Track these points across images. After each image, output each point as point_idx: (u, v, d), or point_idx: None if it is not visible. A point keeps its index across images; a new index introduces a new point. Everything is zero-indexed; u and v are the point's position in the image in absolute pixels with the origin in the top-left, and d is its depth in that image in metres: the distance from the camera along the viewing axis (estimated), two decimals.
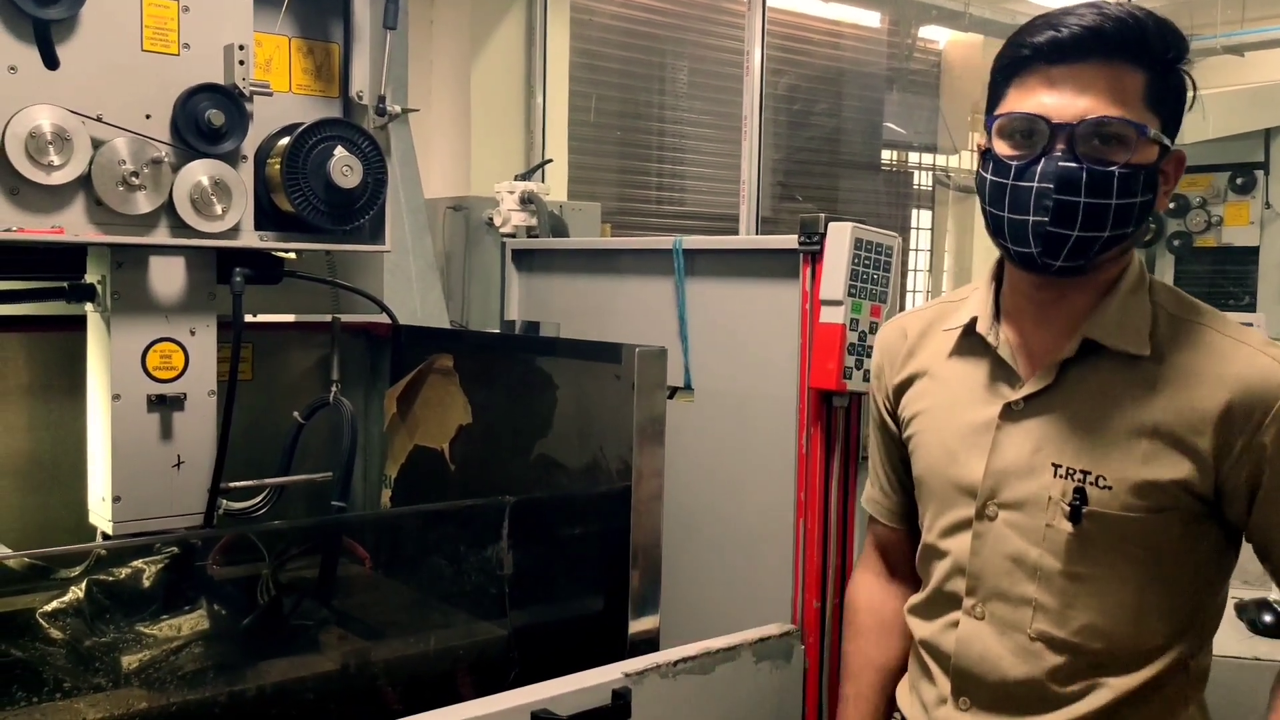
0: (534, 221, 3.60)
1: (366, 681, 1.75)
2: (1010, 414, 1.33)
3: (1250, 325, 1.35)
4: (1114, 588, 1.28)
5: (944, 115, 6.44)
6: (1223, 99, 4.64)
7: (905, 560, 1.54)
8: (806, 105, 5.86)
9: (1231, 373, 1.23)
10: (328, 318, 2.27)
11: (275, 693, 1.61)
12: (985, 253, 7.19)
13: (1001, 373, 1.35)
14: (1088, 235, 1.23)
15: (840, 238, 1.85)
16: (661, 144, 5.33)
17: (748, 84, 4.25)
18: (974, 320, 1.39)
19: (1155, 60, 1.23)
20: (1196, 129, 4.36)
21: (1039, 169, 1.22)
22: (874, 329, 1.87)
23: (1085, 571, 1.28)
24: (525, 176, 3.80)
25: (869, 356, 1.87)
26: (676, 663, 1.73)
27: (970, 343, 1.40)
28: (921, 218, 6.68)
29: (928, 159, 6.57)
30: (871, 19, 6.14)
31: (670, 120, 5.34)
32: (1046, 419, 1.31)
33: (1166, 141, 1.25)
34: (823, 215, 1.88)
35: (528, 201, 3.64)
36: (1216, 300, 4.63)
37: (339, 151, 1.79)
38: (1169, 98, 1.25)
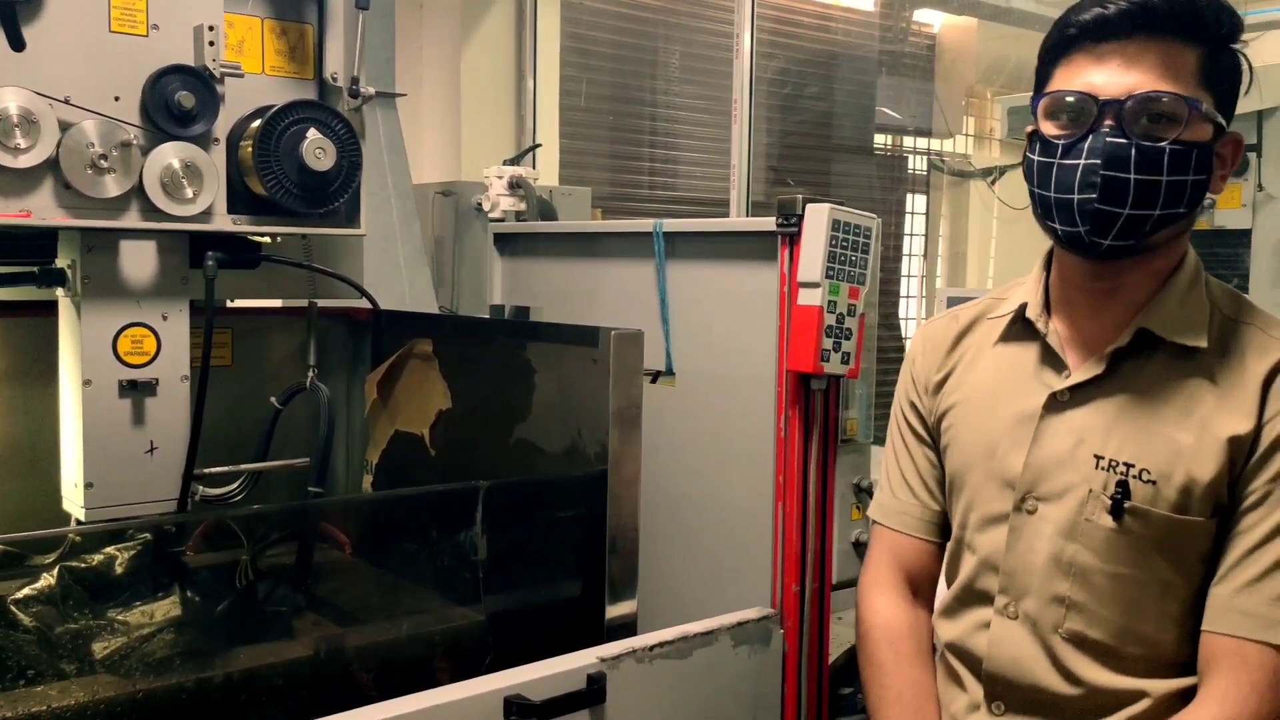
0: (523, 206, 3.58)
1: (341, 667, 1.74)
2: (1055, 405, 1.29)
3: None
4: (1155, 592, 1.23)
5: (938, 99, 6.40)
6: None
7: (931, 581, 1.48)
8: (798, 89, 5.83)
9: (1269, 365, 1.21)
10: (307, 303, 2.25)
11: (245, 679, 1.60)
12: (979, 237, 7.16)
13: (1049, 362, 1.32)
14: (1139, 213, 1.19)
15: (818, 219, 1.84)
16: (653, 128, 5.30)
17: (737, 67, 4.22)
18: (1023, 307, 1.35)
19: (1209, 37, 1.20)
20: None
21: (1086, 145, 1.20)
22: (852, 311, 1.86)
23: (1125, 572, 1.23)
24: (514, 161, 3.78)
25: (847, 339, 1.86)
26: (653, 647, 1.72)
27: (1017, 331, 1.37)
28: (916, 202, 6.65)
29: (922, 143, 6.54)
30: (864, 1, 6.10)
31: (662, 104, 5.31)
32: (1092, 410, 1.27)
33: (1221, 120, 1.21)
34: (800, 196, 1.86)
35: (516, 186, 3.62)
36: None
37: (312, 134, 1.78)
38: (1223, 76, 1.22)
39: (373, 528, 2.06)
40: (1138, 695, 1.24)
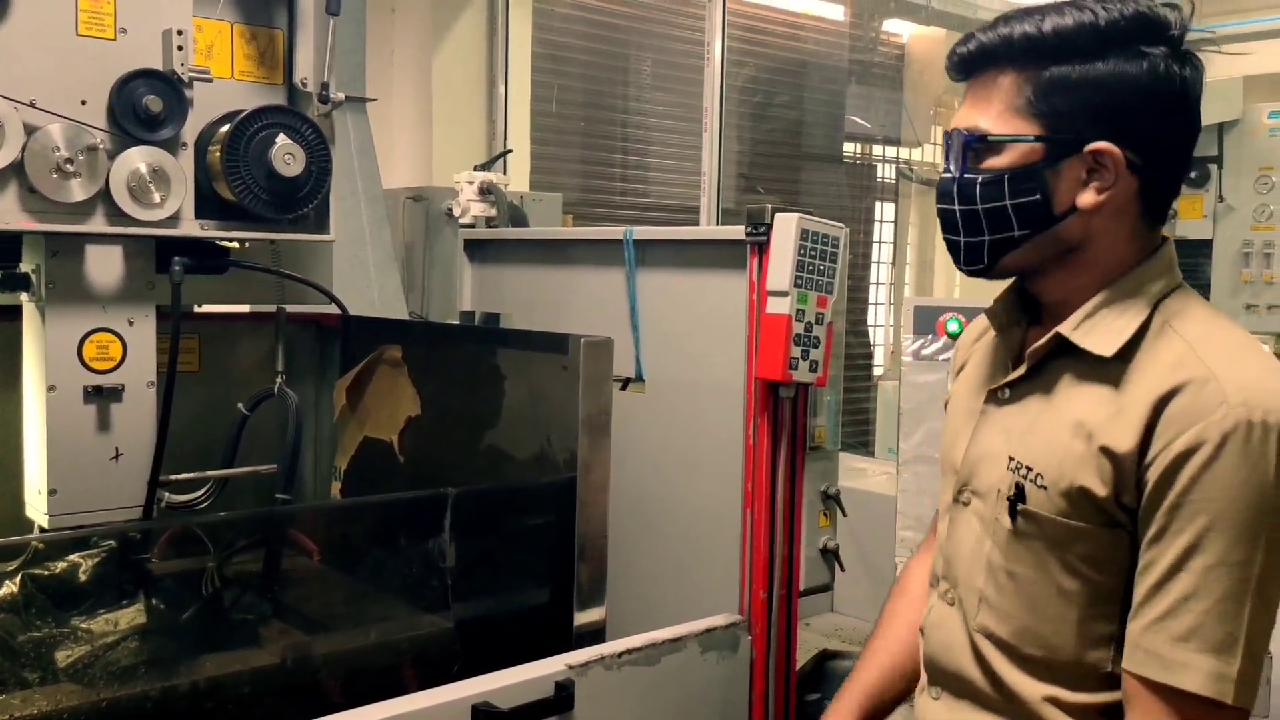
0: (493, 212, 3.58)
1: (308, 675, 1.73)
2: (995, 400, 1.33)
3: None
4: (1053, 598, 1.23)
5: (907, 108, 6.46)
6: None
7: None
8: (768, 97, 5.86)
9: (1172, 385, 1.15)
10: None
11: (211, 688, 1.59)
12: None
13: (1004, 361, 1.36)
14: (972, 240, 1.28)
15: (786, 228, 1.85)
16: (625, 135, 5.31)
17: (708, 75, 4.24)
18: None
19: (1032, 61, 1.23)
20: None
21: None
22: (820, 319, 1.87)
23: (1022, 573, 1.25)
24: (485, 167, 3.77)
25: (815, 347, 1.87)
26: (621, 654, 1.72)
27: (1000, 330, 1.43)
28: (884, 210, 6.70)
29: (891, 152, 6.59)
30: (834, 11, 6.14)
31: (633, 111, 5.32)
32: (1018, 410, 1.30)
33: (1050, 138, 1.21)
34: (769, 205, 1.87)
35: (487, 192, 3.62)
36: None
37: (281, 139, 1.77)
38: (1066, 92, 1.21)
39: (341, 535, 2.05)
40: (1051, 700, 1.23)
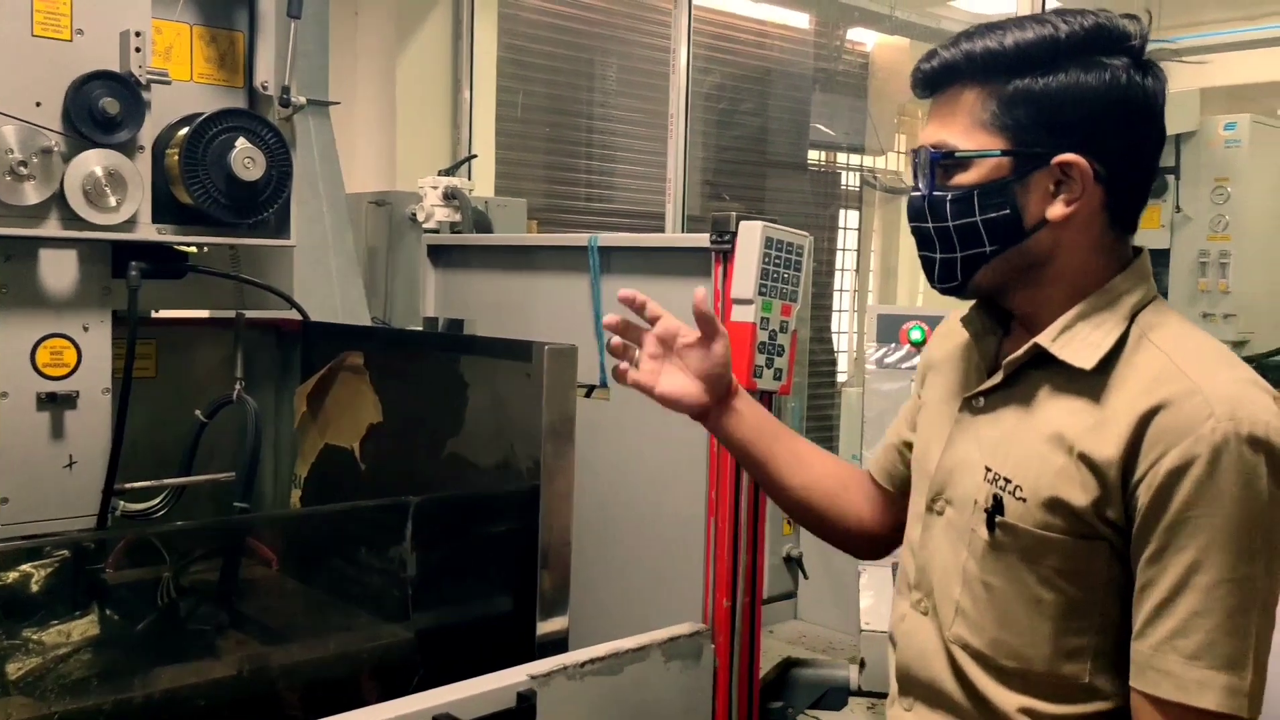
0: (458, 217, 3.56)
1: (266, 686, 1.71)
2: (969, 409, 1.32)
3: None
4: (1028, 610, 1.23)
5: (871, 117, 6.50)
6: None
7: (863, 505, 1.55)
8: (733, 104, 5.87)
9: (1157, 400, 1.15)
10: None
11: (166, 700, 1.56)
12: (910, 253, 7.27)
13: (978, 369, 1.36)
14: (946, 257, 1.27)
15: (751, 236, 1.85)
16: (590, 141, 5.30)
17: (674, 82, 4.24)
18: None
19: (995, 75, 1.23)
20: None
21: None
22: (784, 328, 1.87)
23: (996, 583, 1.25)
24: (449, 172, 3.75)
25: (779, 355, 1.88)
26: (584, 664, 1.71)
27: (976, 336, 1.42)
28: (849, 217, 6.74)
29: (855, 159, 6.63)
30: (799, 20, 6.17)
31: (599, 117, 5.32)
32: (993, 420, 1.29)
33: (1016, 151, 1.21)
34: (734, 214, 1.87)
35: (451, 197, 3.59)
36: None
37: (241, 143, 1.75)
38: (1031, 105, 1.21)
39: (300, 544, 2.03)
40: (1026, 712, 1.24)
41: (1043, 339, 1.26)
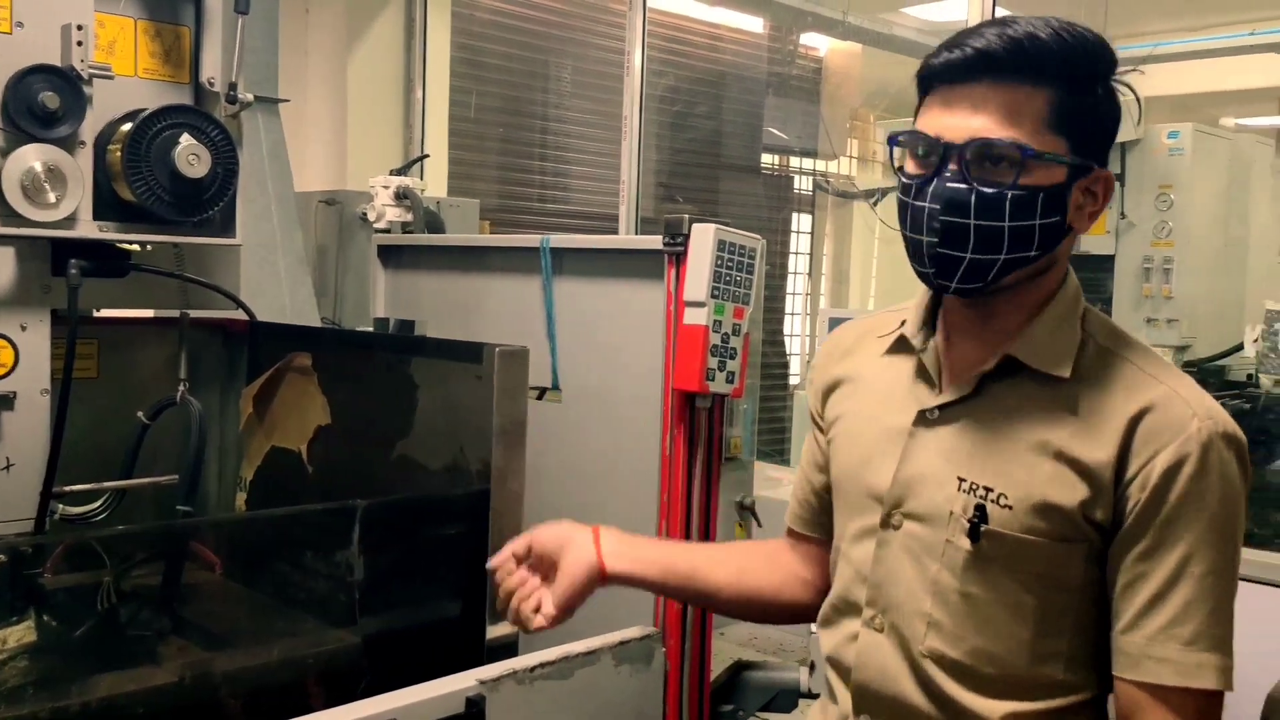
0: (409, 217, 3.53)
1: (208, 693, 1.67)
2: (924, 422, 1.30)
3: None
4: (1009, 615, 1.24)
5: (824, 121, 6.54)
6: None
7: (796, 572, 1.52)
8: (688, 107, 5.89)
9: (1141, 405, 1.20)
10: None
11: (105, 708, 1.53)
12: (862, 257, 7.33)
13: (923, 379, 1.33)
14: (982, 258, 1.20)
15: (704, 239, 1.85)
16: (544, 142, 5.28)
17: (628, 84, 4.23)
18: (904, 325, 1.38)
19: (1060, 79, 1.20)
20: None
21: (930, 189, 1.21)
22: (737, 330, 1.88)
23: (980, 593, 1.25)
24: (401, 171, 3.72)
25: (732, 358, 1.88)
26: (534, 668, 1.69)
27: (900, 348, 1.38)
28: (801, 221, 6.78)
29: (808, 164, 6.67)
30: (754, 24, 6.20)
31: (553, 118, 5.30)
32: (958, 431, 1.28)
33: (1075, 161, 1.21)
34: (687, 216, 1.87)
35: (403, 197, 3.57)
36: None
37: (185, 139, 1.72)
38: (1083, 116, 1.22)
39: (245, 548, 1.99)
40: (1009, 716, 1.25)
41: (1017, 350, 1.26)
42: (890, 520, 1.31)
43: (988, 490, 1.24)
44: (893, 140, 1.28)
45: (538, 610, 1.47)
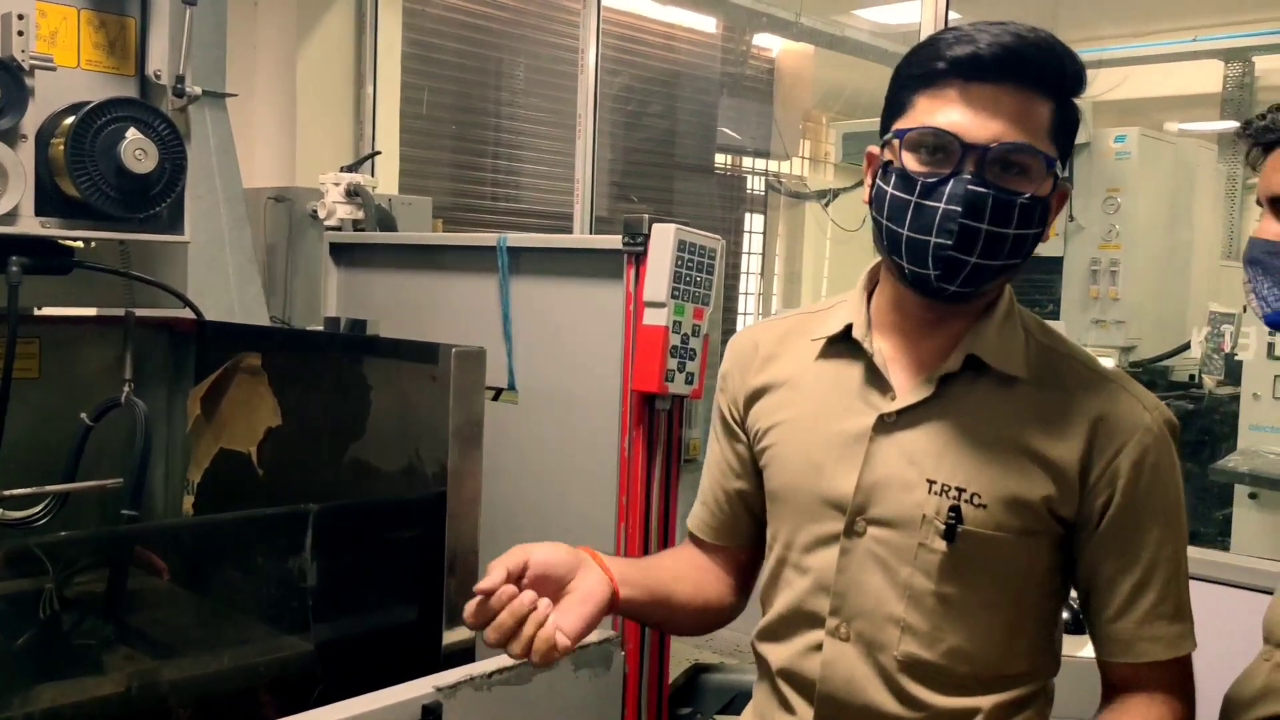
0: (360, 215, 3.49)
1: (156, 703, 1.63)
2: (883, 426, 1.28)
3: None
4: (984, 612, 1.26)
5: (777, 122, 6.57)
6: None
7: (722, 577, 1.48)
8: (641, 106, 5.88)
9: (1098, 403, 1.25)
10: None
11: (47, 719, 1.48)
12: (813, 257, 7.37)
13: (874, 383, 1.31)
14: (984, 263, 1.19)
15: (664, 239, 1.84)
16: (497, 140, 5.24)
17: (582, 82, 4.21)
18: (848, 328, 1.34)
19: (1061, 91, 1.21)
20: None
21: (948, 189, 1.17)
22: (696, 331, 1.86)
23: (956, 593, 1.25)
24: (352, 168, 3.67)
25: (691, 359, 1.86)
26: (491, 674, 1.67)
27: (840, 351, 1.34)
28: (754, 221, 6.80)
29: (760, 164, 6.69)
30: (707, 24, 6.20)
31: (506, 116, 5.26)
32: (922, 433, 1.27)
33: (1061, 174, 1.23)
34: (646, 216, 1.86)
35: (354, 194, 3.52)
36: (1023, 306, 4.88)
37: (131, 133, 1.68)
38: (1067, 130, 1.23)
39: (193, 553, 1.95)
40: (971, 712, 1.27)
41: (979, 350, 1.27)
42: (854, 527, 1.29)
43: (960, 491, 1.24)
44: (898, 134, 1.23)
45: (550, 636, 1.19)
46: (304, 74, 4.52)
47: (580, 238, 3.71)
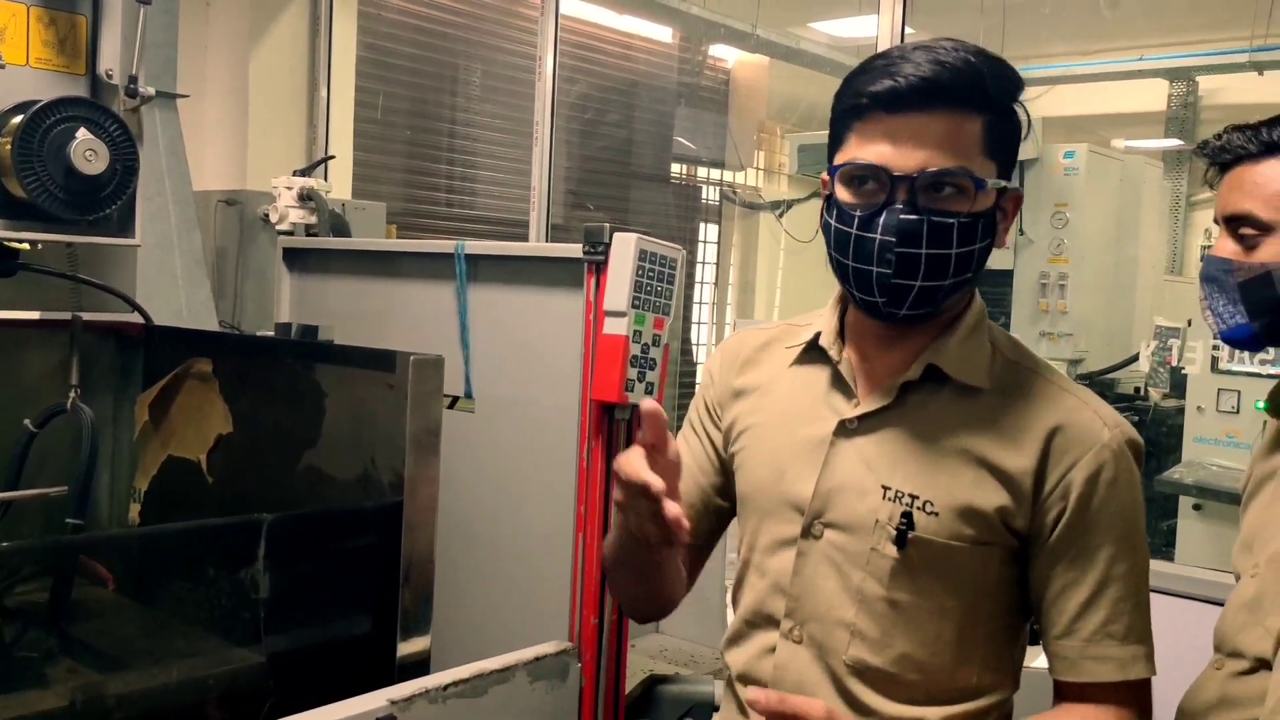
0: (313, 219, 3.44)
1: (99, 718, 1.58)
2: (844, 432, 1.31)
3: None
4: (934, 620, 1.27)
5: (732, 132, 6.60)
6: None
7: (681, 571, 1.48)
8: (598, 115, 5.88)
9: (1056, 417, 1.26)
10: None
11: None
12: (767, 267, 7.41)
13: (839, 389, 1.33)
14: (931, 285, 1.22)
15: (625, 248, 1.83)
16: (452, 146, 5.21)
17: (539, 90, 4.20)
18: (817, 336, 1.37)
19: (993, 105, 1.23)
20: None
21: (881, 220, 1.20)
22: (657, 341, 1.86)
23: (906, 600, 1.26)
24: (305, 172, 3.63)
25: (651, 369, 1.86)
26: (447, 686, 1.65)
27: (811, 359, 1.38)
28: (709, 231, 6.82)
29: (715, 174, 6.72)
30: (664, 34, 6.22)
31: (461, 122, 5.23)
32: (880, 440, 1.29)
33: (1004, 185, 1.25)
34: (608, 225, 1.85)
35: (307, 198, 3.48)
36: None
37: (82, 134, 1.64)
38: (1006, 140, 1.25)
39: (141, 563, 1.90)
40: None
41: (940, 361, 1.28)
42: (811, 530, 1.31)
43: (914, 498, 1.25)
44: (832, 170, 1.27)
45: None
46: (256, 76, 4.47)
47: (540, 246, 3.70)
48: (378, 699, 1.57)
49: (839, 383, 1.34)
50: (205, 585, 1.79)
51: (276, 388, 2.04)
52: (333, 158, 4.36)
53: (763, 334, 1.47)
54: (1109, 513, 1.24)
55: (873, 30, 3.34)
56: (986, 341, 1.32)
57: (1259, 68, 5.64)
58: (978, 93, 1.21)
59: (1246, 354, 3.66)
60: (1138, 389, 4.80)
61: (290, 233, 3.31)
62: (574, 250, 1.91)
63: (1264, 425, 1.44)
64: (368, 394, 1.85)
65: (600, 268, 1.86)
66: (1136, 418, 4.40)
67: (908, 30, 3.32)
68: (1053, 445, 1.25)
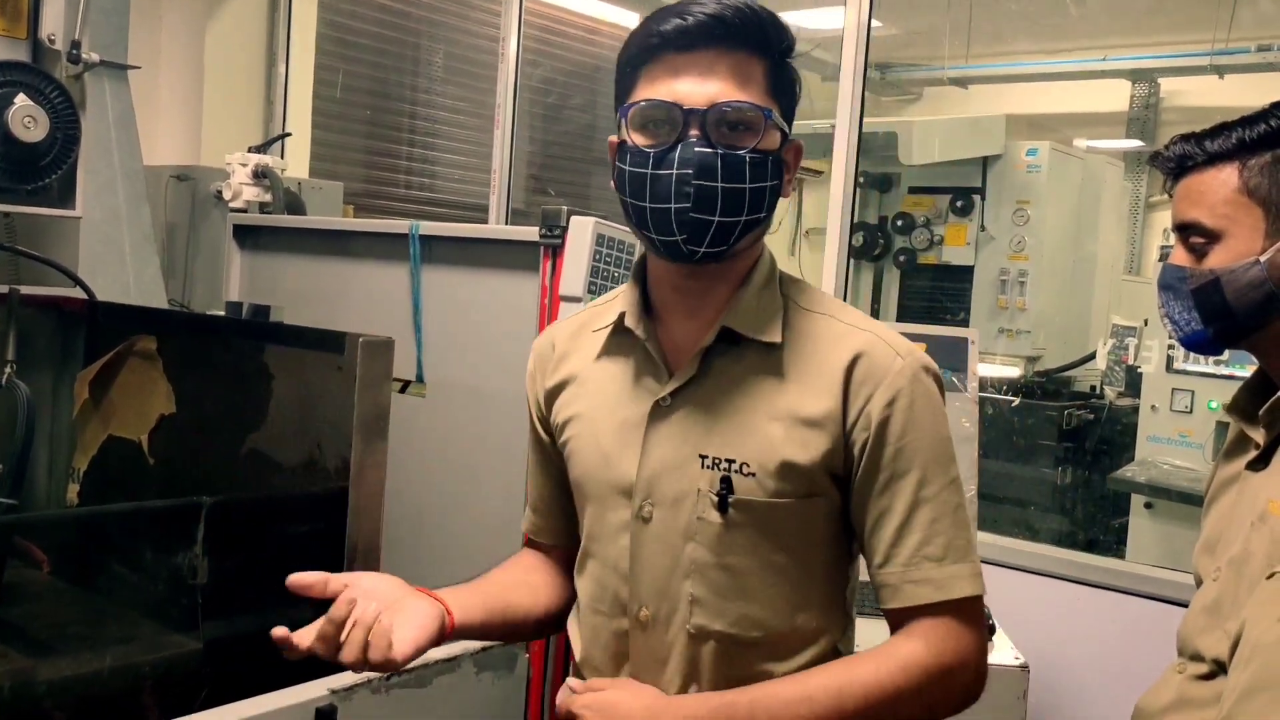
0: (268, 197, 3.38)
1: (31, 704, 1.54)
2: (659, 411, 1.32)
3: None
4: (770, 578, 1.29)
5: None
6: (947, 126, 4.95)
7: (560, 576, 1.49)
8: (561, 99, 5.82)
9: (850, 354, 1.27)
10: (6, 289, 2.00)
11: None
12: None
13: (650, 369, 1.34)
14: (727, 220, 1.24)
15: (582, 232, 1.80)
16: (412, 127, 5.13)
17: (502, 72, 4.14)
18: (622, 317, 1.37)
19: (772, 50, 1.27)
20: (925, 152, 4.62)
21: (677, 155, 1.23)
22: None
23: (737, 561, 1.28)
24: (261, 149, 3.56)
25: None
26: (390, 676, 1.62)
27: (619, 341, 1.38)
28: None
29: None
30: (630, 19, 6.17)
31: (422, 103, 5.16)
32: (693, 411, 1.30)
33: (786, 128, 1.28)
34: (565, 208, 1.82)
35: (261, 176, 3.41)
36: (935, 314, 4.93)
37: (20, 100, 1.58)
38: (786, 87, 1.29)
39: (77, 545, 1.85)
40: (759, 676, 1.29)
41: (734, 322, 1.30)
42: (641, 512, 1.32)
43: (729, 462, 1.27)
44: (623, 111, 1.28)
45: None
46: (212, 49, 4.38)
47: (496, 228, 3.66)
48: (318, 688, 1.54)
49: (648, 361, 1.35)
50: (143, 569, 1.74)
51: (222, 368, 1.99)
52: (289, 135, 4.29)
53: (572, 323, 1.48)
54: (911, 437, 1.26)
55: (839, 23, 3.32)
56: (778, 295, 1.34)
57: (1219, 71, 5.68)
58: (760, 35, 1.25)
59: (1202, 355, 3.70)
60: (1093, 387, 4.83)
61: (244, 210, 3.25)
62: (530, 233, 1.88)
63: (1215, 428, 1.45)
64: (315, 376, 1.80)
65: (557, 251, 1.83)
66: (1091, 415, 4.43)
67: (874, 24, 3.31)
68: (851, 381, 1.27)
